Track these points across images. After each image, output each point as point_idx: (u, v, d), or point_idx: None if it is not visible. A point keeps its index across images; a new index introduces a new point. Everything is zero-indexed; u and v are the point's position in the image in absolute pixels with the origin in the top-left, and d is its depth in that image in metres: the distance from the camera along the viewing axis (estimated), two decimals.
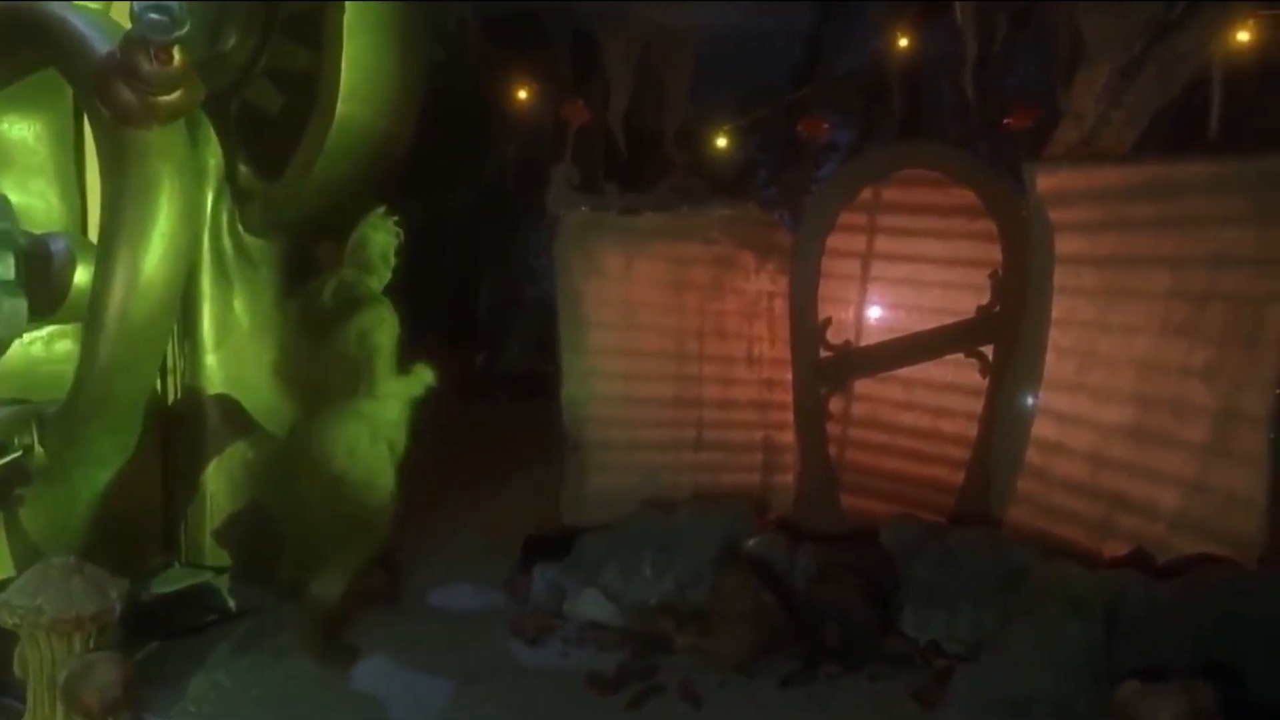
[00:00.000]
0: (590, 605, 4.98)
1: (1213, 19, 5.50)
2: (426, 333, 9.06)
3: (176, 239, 3.98)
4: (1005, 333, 5.39)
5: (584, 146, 7.85)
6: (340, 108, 4.67)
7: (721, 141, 7.49)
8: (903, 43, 7.55)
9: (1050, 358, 5.20)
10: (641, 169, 8.14)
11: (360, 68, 4.70)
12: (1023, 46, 7.49)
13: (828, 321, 5.73)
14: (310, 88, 4.79)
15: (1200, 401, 4.69)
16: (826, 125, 6.31)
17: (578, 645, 4.76)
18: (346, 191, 4.99)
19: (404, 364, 4.59)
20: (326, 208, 5.05)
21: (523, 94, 7.88)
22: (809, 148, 8.04)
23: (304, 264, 5.20)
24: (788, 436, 5.92)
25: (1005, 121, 5.72)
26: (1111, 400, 5.01)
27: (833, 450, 5.94)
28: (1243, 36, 5.68)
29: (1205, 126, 5.98)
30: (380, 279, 4.66)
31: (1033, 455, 5.25)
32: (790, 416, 5.87)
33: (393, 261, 4.66)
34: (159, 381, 4.94)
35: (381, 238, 4.67)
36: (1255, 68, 5.83)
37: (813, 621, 4.63)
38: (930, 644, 4.60)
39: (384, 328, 4.57)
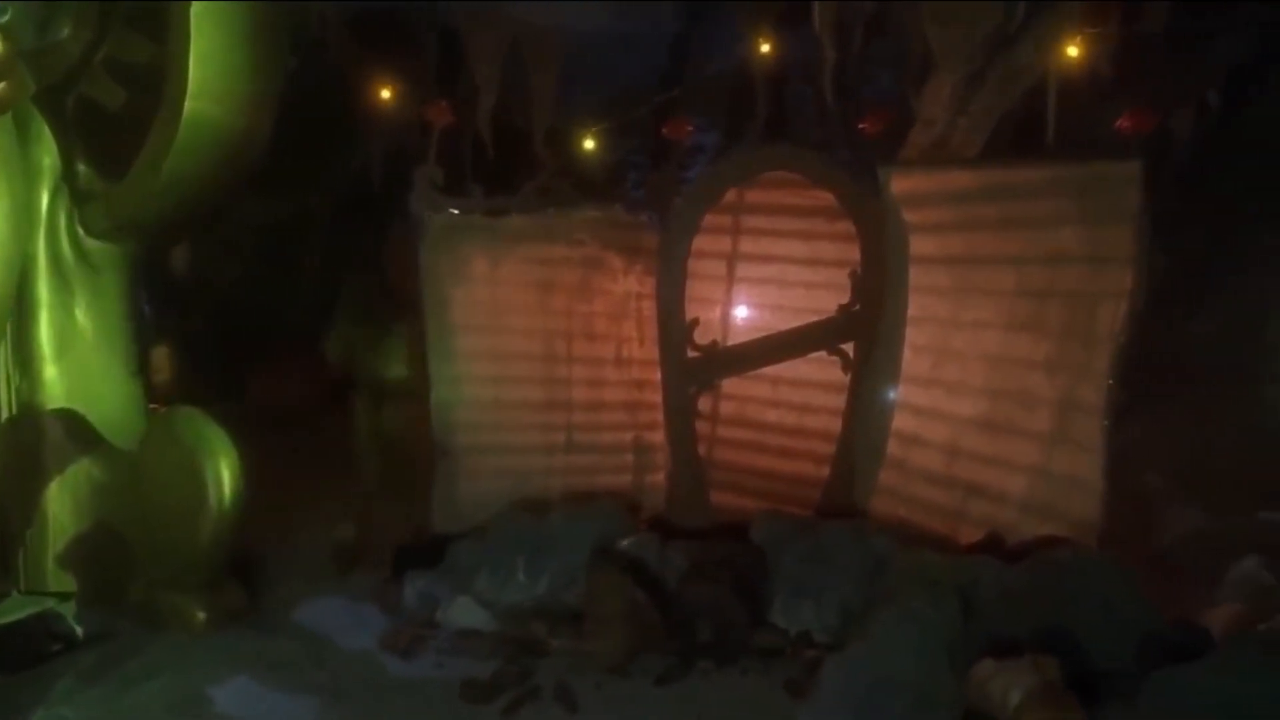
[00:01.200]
0: (463, 613, 4.88)
1: (1047, 34, 5.80)
2: (291, 335, 8.93)
3: (3, 244, 3.71)
4: (865, 331, 5.54)
5: (450, 147, 7.68)
6: (189, 105, 4.45)
7: (589, 143, 7.44)
8: (766, 47, 7.67)
9: (907, 354, 5.40)
10: (508, 170, 8.01)
11: (210, 63, 4.49)
12: (878, 54, 7.74)
13: (695, 322, 5.77)
14: (156, 83, 4.56)
15: (1043, 393, 4.94)
16: (691, 127, 6.34)
17: (452, 655, 4.64)
18: (197, 192, 4.79)
19: (261, 366, 4.43)
20: (175, 208, 4.83)
21: (387, 93, 7.67)
22: (676, 150, 8.07)
23: (152, 268, 4.94)
24: (658, 436, 5.95)
25: (861, 126, 5.90)
26: (964, 393, 5.22)
27: (702, 449, 6.00)
28: (1072, 51, 5.99)
29: (1043, 132, 6.30)
30: None
31: (893, 448, 5.45)
32: (660, 416, 5.90)
33: None
34: None
35: None
36: (1085, 79, 6.18)
37: (686, 619, 4.66)
38: (800, 635, 4.67)
39: None
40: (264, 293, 8.91)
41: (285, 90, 4.91)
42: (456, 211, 5.61)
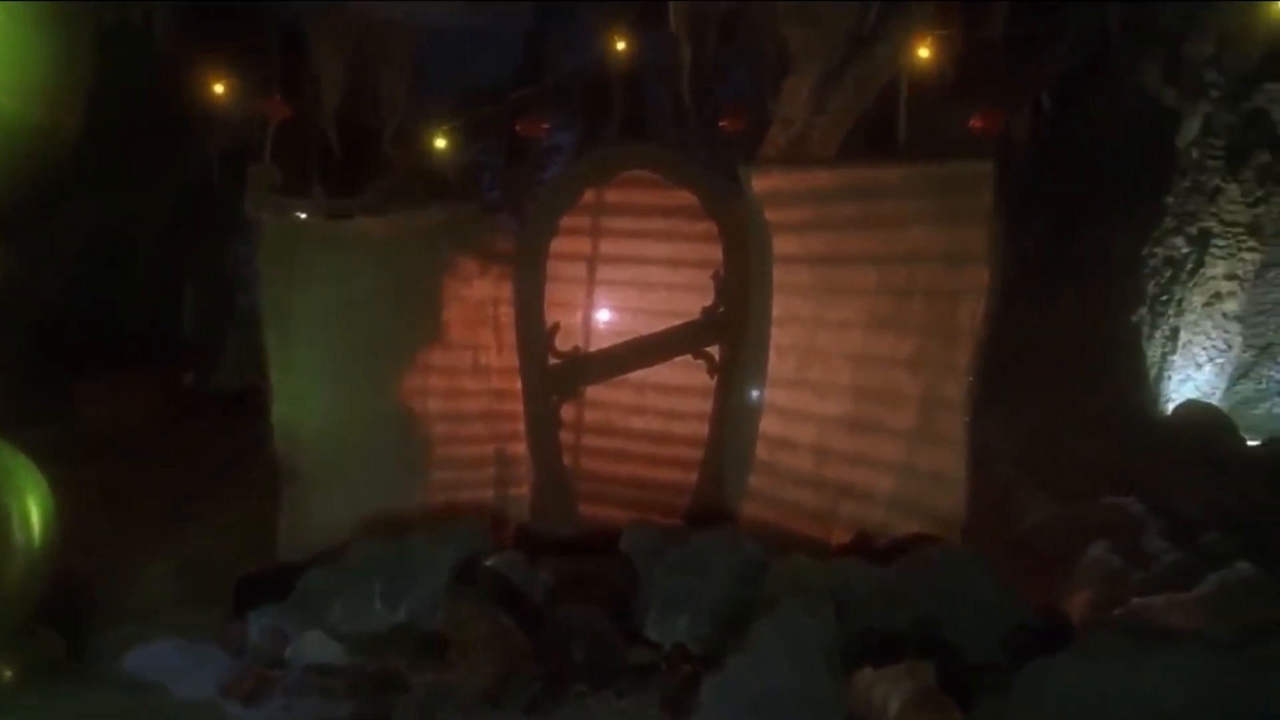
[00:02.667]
0: (314, 648, 4.58)
1: (902, 34, 5.89)
2: (121, 347, 8.38)
3: None
4: (730, 333, 5.49)
5: (292, 146, 7.31)
6: None
7: (441, 142, 7.19)
8: (622, 45, 7.60)
9: (773, 355, 5.37)
10: (355, 170, 7.76)
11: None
12: (734, 53, 7.77)
13: (555, 327, 5.63)
14: None
15: (907, 390, 5.00)
16: (546, 125, 6.17)
17: (302, 696, 4.30)
18: None
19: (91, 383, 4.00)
20: None
21: (223, 89, 7.21)
22: (532, 149, 7.91)
23: None
24: (520, 447, 5.77)
25: (722, 124, 5.86)
26: (830, 393, 5.24)
27: (567, 459, 5.85)
28: (924, 52, 6.11)
29: (899, 131, 6.40)
30: None
31: (761, 451, 5.41)
32: (521, 427, 5.73)
33: None
34: None
35: None
36: (937, 79, 6.32)
37: (556, 640, 4.48)
38: (675, 648, 4.55)
39: None
40: (94, 301, 8.47)
41: (112, 86, 4.47)
42: (296, 214, 5.22)
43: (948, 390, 4.87)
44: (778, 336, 5.35)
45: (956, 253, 4.81)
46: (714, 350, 5.57)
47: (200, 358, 9.32)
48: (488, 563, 4.84)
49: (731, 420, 5.48)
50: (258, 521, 5.34)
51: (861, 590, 4.34)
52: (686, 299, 5.67)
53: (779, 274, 5.30)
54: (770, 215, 5.28)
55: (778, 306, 5.33)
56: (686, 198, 5.54)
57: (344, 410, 5.41)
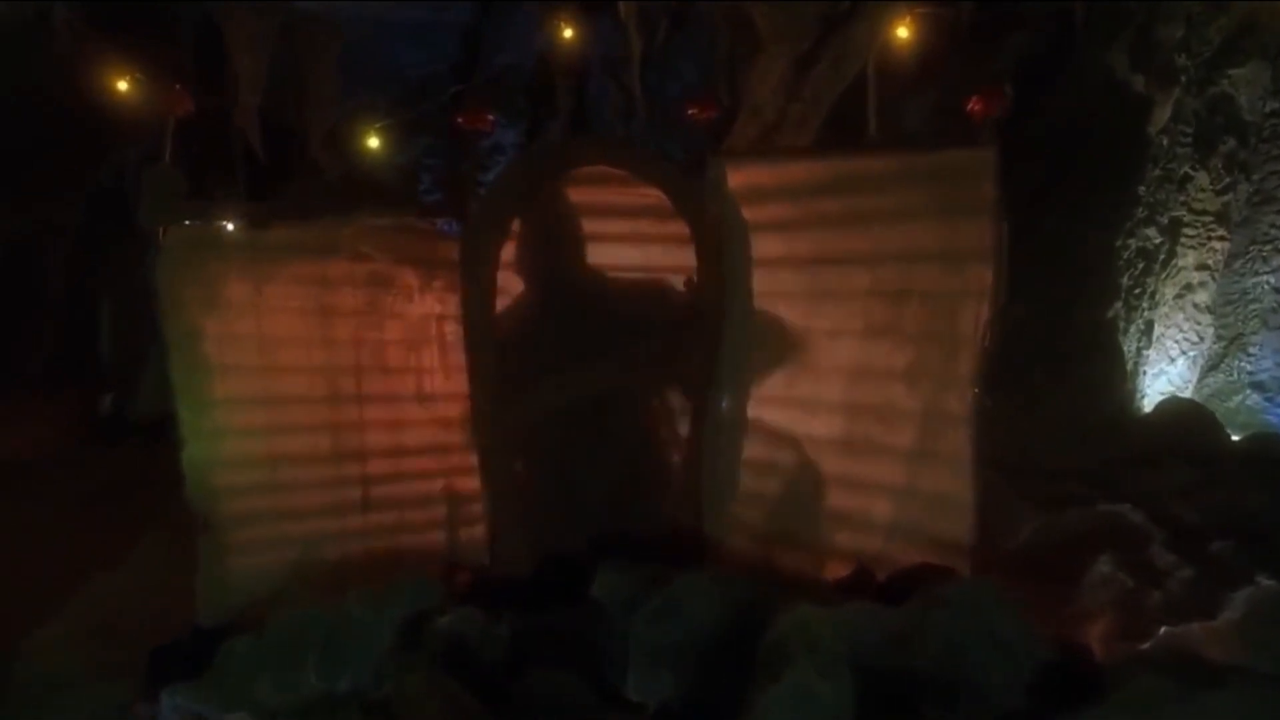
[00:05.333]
0: None
1: (881, 10, 5.52)
2: (26, 368, 7.94)
3: None
4: (706, 346, 5.03)
5: (205, 148, 6.78)
6: None
7: (373, 141, 6.65)
8: (569, 32, 7.26)
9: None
10: (277, 173, 7.31)
11: None
12: (690, 39, 7.55)
13: (508, 346, 5.13)
14: None
15: (905, 405, 4.70)
16: (490, 116, 5.69)
17: None
18: None
19: None
20: None
21: (130, 88, 6.70)
22: (474, 148, 7.51)
23: None
24: (472, 483, 5.27)
25: (691, 112, 5.40)
26: (820, 411, 4.91)
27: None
28: (903, 32, 5.73)
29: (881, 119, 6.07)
30: None
31: (746, 478, 5.04)
32: (473, 459, 5.22)
33: None
34: None
35: None
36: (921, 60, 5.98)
37: (521, 711, 3.99)
38: (660, 710, 4.11)
39: None
40: None
41: (9, 88, 3.91)
42: (202, 222, 4.64)
43: (950, 404, 4.58)
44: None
45: (956, 251, 4.52)
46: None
47: (119, 380, 8.90)
48: (439, 622, 4.31)
49: (711, 443, 5.06)
50: (185, 573, 4.82)
51: (873, 639, 3.92)
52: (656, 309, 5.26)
53: (759, 279, 4.94)
54: (748, 213, 4.90)
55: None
56: (652, 196, 5.10)
57: (266, 449, 4.89)
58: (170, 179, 4.81)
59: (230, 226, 4.77)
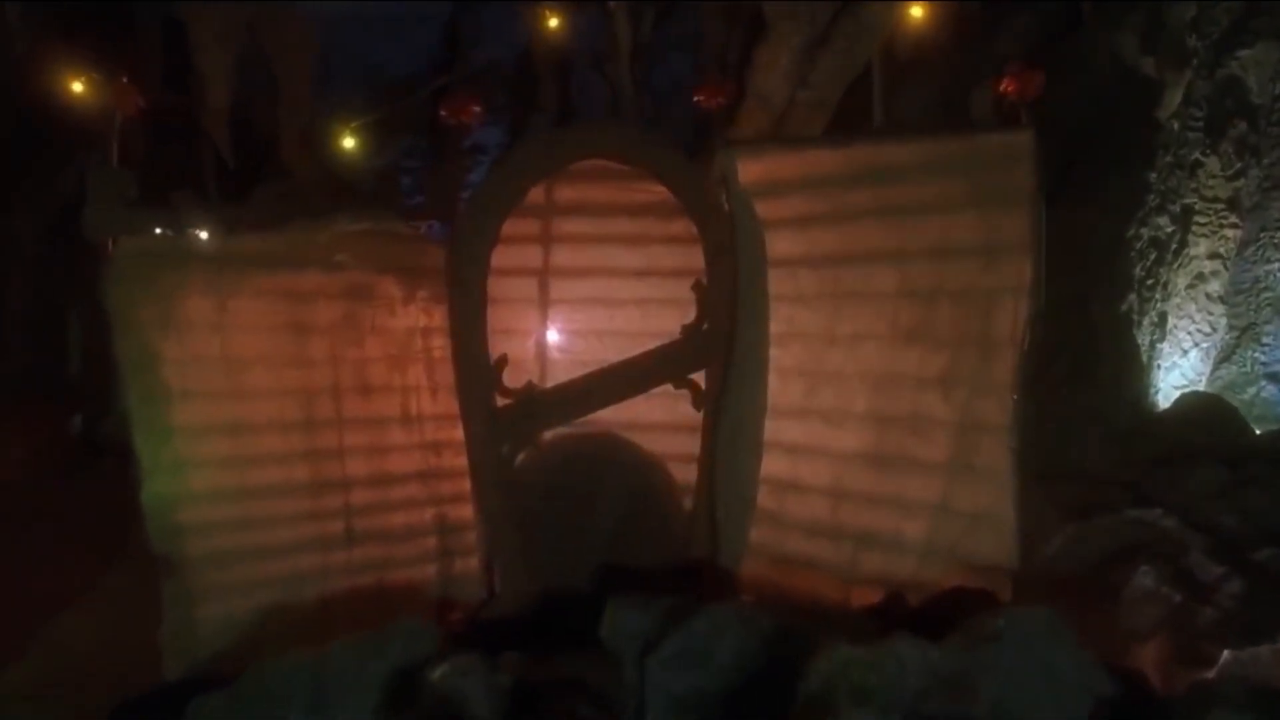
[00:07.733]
0: None
1: None
2: None
3: None
4: (718, 355, 4.85)
5: (163, 148, 6.47)
6: None
7: (349, 140, 6.34)
8: (552, 25, 7.05)
9: (773, 380, 4.82)
10: (242, 174, 7.13)
11: None
12: (679, 29, 7.38)
13: (503, 360, 4.93)
14: None
15: (939, 415, 4.51)
16: (476, 108, 5.38)
17: None
18: None
19: None
20: None
21: (86, 89, 6.44)
22: (457, 144, 7.25)
23: None
24: (465, 511, 5.01)
25: (698, 99, 5.11)
26: (845, 423, 4.71)
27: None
28: (916, 12, 5.46)
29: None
30: None
31: (764, 497, 4.84)
32: (466, 485, 4.99)
33: None
34: None
35: None
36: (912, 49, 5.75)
37: None
38: None
39: None
40: None
41: None
42: (158, 230, 4.26)
43: (988, 412, 4.37)
44: (778, 357, 4.80)
45: (992, 243, 4.30)
46: (699, 377, 4.91)
47: (88, 401, 8.51)
48: (434, 673, 3.91)
49: (725, 462, 4.83)
50: (156, 609, 4.43)
51: (921, 684, 3.58)
52: (662, 316, 5.11)
53: (775, 280, 4.71)
54: (762, 209, 4.64)
55: (776, 320, 4.77)
56: (657, 192, 4.86)
57: (238, 482, 4.51)
58: (117, 182, 4.36)
59: (190, 235, 4.36)
